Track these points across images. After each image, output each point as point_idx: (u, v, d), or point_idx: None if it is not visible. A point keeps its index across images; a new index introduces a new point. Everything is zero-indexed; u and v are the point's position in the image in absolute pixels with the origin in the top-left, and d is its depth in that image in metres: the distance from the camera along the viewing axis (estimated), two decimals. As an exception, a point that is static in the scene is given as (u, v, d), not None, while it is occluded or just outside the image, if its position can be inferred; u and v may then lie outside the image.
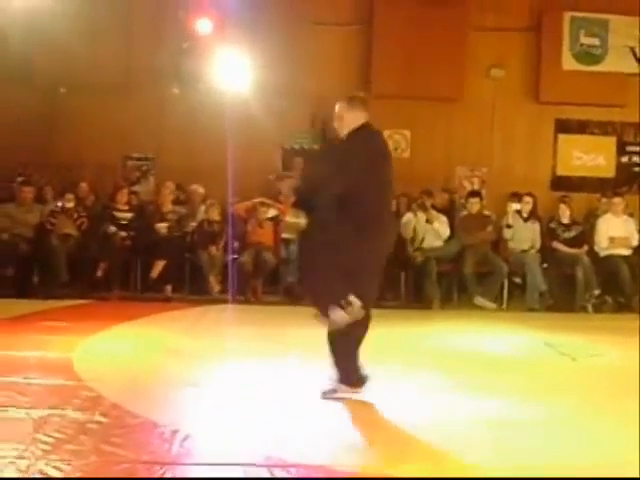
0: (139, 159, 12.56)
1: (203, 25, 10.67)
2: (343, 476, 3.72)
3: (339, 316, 4.82)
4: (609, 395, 5.59)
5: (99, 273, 10.30)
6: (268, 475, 3.62)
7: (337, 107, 5.16)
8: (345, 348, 5.06)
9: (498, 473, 3.77)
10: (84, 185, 11.50)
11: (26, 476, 3.50)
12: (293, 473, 3.67)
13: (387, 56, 12.18)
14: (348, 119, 5.08)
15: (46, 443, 3.94)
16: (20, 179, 11.41)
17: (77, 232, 10.64)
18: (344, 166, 4.88)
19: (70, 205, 10.67)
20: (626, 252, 10.86)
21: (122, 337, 7.44)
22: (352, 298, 4.81)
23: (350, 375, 5.08)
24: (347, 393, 5.06)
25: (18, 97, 11.89)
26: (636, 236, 10.99)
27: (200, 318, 9.14)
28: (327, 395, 5.07)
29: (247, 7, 10.89)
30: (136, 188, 11.94)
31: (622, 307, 10.65)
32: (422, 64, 12.09)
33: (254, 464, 3.78)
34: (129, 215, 10.86)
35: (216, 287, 10.43)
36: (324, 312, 4.88)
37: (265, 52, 11.30)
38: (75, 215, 10.69)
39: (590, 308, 10.53)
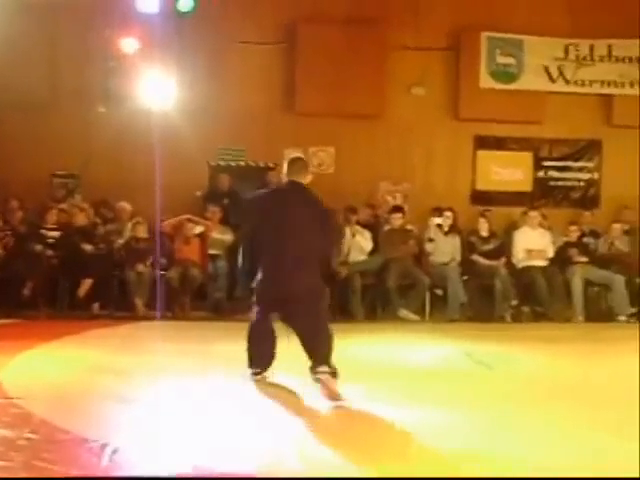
0: (65, 177, 12.53)
1: (129, 44, 10.81)
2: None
3: None
4: (521, 401, 5.87)
5: (26, 292, 10.27)
6: None
7: None
8: None
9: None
10: (14, 202, 11.43)
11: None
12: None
13: (310, 74, 12.40)
14: None
15: (-24, 460, 4.02)
16: (-56, 198, 11.32)
17: (2, 251, 10.60)
18: None
19: (-4, 224, 10.66)
20: (542, 263, 11.25)
21: (50, 355, 7.47)
22: None
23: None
24: None
25: (-59, 115, 11.80)
26: (551, 248, 11.40)
27: (128, 335, 9.20)
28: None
29: (172, 26, 11.05)
30: (63, 206, 11.91)
31: (539, 316, 11.07)
32: (344, 82, 12.32)
33: (182, 476, 3.93)
34: (56, 234, 10.85)
35: (141, 307, 10.47)
36: None
37: (190, 70, 11.46)
38: (1, 234, 10.64)
39: (508, 318, 10.90)
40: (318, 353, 5.72)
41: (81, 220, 11.05)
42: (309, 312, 5.80)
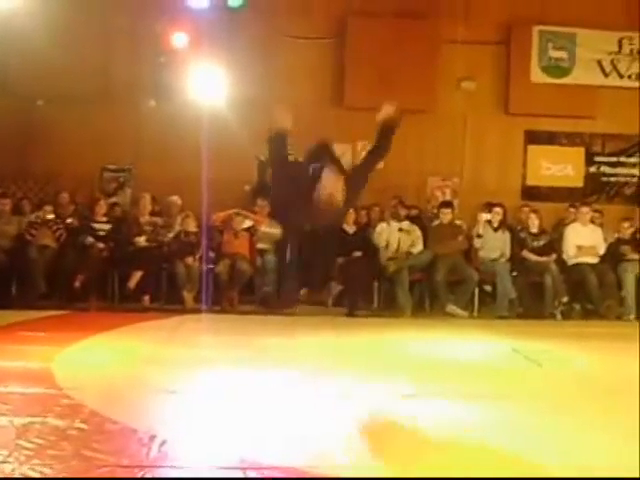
0: (116, 170, 12.67)
1: (179, 39, 10.88)
2: (316, 477, 3.88)
3: None
4: (571, 399, 5.79)
5: (77, 284, 10.37)
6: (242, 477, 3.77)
7: None
8: None
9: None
10: (65, 195, 11.57)
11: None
12: (266, 475, 3.82)
13: (360, 68, 12.39)
14: None
15: (29, 449, 4.02)
16: (-3, 191, 11.49)
17: (55, 243, 10.74)
18: None
19: (50, 217, 10.78)
20: (593, 260, 11.11)
21: (100, 347, 7.54)
22: None
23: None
24: None
25: (-5, 109, 12.00)
26: (603, 245, 11.24)
27: (177, 328, 9.25)
28: None
29: (222, 21, 11.09)
30: (113, 199, 12.04)
31: (590, 314, 10.92)
32: (394, 76, 12.28)
33: (229, 466, 3.94)
34: (107, 226, 10.96)
35: (190, 300, 10.54)
36: None
37: (240, 65, 11.49)
38: (54, 227, 10.79)
39: (558, 315, 10.78)
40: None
41: (146, 214, 11.14)
42: None
